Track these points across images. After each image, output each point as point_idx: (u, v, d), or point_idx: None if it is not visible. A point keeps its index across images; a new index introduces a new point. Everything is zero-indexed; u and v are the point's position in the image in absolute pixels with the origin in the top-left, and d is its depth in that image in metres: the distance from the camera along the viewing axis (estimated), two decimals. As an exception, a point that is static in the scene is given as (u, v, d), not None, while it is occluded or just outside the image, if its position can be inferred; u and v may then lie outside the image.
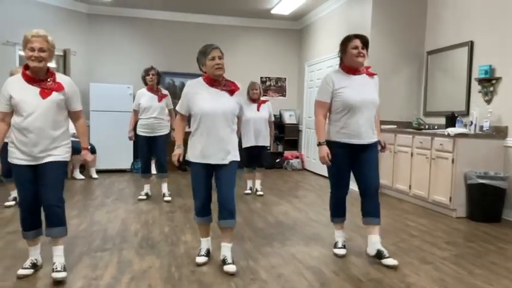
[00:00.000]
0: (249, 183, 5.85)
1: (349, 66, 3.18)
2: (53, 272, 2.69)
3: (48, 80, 2.68)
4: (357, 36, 3.16)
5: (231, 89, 2.99)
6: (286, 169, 8.44)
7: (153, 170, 7.58)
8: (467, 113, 5.20)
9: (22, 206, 2.76)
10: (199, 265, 3.00)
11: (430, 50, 6.02)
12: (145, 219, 4.26)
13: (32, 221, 2.78)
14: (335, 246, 3.39)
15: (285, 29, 8.94)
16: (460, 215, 4.62)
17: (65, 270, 2.72)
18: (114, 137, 7.22)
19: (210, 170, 2.98)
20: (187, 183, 6.41)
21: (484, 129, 4.78)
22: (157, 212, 4.58)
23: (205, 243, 3.15)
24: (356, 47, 3.11)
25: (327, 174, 7.72)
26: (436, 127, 5.58)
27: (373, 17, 6.02)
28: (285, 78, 9.09)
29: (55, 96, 2.66)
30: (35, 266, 2.83)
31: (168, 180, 5.41)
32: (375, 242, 3.17)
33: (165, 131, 5.21)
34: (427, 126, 5.83)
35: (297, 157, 8.59)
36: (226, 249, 3.00)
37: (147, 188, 5.33)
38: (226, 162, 2.94)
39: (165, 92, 5.29)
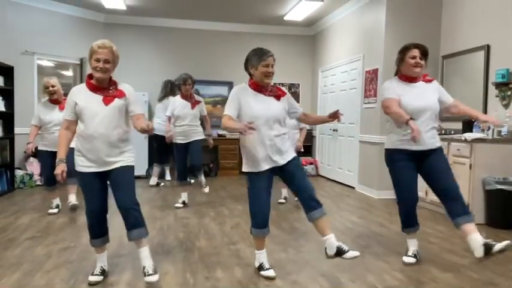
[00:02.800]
0: (284, 192, 5.67)
1: (406, 76, 3.18)
2: (145, 276, 2.71)
3: (111, 88, 2.76)
4: (416, 46, 3.14)
5: (277, 94, 3.00)
6: (300, 175, 8.39)
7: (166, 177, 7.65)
8: (484, 117, 5.11)
9: (89, 213, 2.78)
10: (271, 279, 2.87)
11: (446, 54, 5.96)
12: (160, 225, 4.29)
13: (99, 228, 2.83)
14: (406, 253, 3.32)
15: (298, 35, 8.95)
16: (478, 221, 4.51)
17: (156, 272, 2.74)
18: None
19: (270, 177, 2.95)
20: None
21: (502, 134, 4.69)
22: (171, 218, 4.61)
23: (264, 256, 3.04)
24: (414, 57, 3.11)
25: (341, 181, 7.64)
26: (452, 132, 5.49)
27: (387, 22, 5.98)
28: (299, 84, 9.08)
29: (117, 102, 2.74)
30: (103, 272, 2.87)
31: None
32: (479, 240, 2.92)
33: (199, 136, 5.18)
34: (443, 131, 5.75)
35: (311, 163, 8.55)
36: (333, 241, 2.87)
37: (184, 196, 5.28)
38: (285, 162, 2.92)
39: (198, 98, 5.29)
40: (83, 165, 2.74)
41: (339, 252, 2.83)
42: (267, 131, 2.88)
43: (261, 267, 2.98)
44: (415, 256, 3.27)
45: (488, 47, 5.12)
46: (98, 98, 2.71)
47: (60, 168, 2.66)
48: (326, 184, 7.40)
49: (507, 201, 4.28)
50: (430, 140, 3.13)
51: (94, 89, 2.73)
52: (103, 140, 2.69)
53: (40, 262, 3.14)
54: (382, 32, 6.01)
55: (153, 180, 6.85)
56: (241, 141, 2.98)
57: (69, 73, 7.69)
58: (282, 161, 2.92)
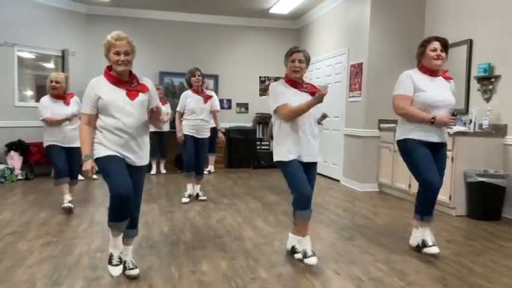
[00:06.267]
0: None
1: (427, 68, 3.26)
2: (126, 270, 2.75)
3: (133, 81, 2.70)
4: (436, 38, 3.24)
5: (312, 91, 3.08)
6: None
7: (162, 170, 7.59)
8: (466, 111, 5.20)
9: (115, 195, 2.55)
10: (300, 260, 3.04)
11: (429, 48, 6.01)
12: (145, 220, 4.25)
13: (125, 211, 2.63)
14: (425, 245, 3.23)
15: (283, 28, 8.94)
16: (460, 213, 4.62)
17: (136, 267, 2.81)
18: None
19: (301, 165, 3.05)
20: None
21: (484, 127, 4.78)
22: (156, 212, 4.58)
23: (307, 242, 3.05)
24: (435, 49, 3.20)
25: (326, 174, 7.64)
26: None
27: (371, 16, 6.01)
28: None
29: (141, 97, 2.69)
30: (121, 260, 2.71)
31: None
32: (427, 235, 3.25)
33: (208, 134, 5.20)
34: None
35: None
36: (306, 243, 3.02)
37: (190, 189, 5.24)
38: (315, 160, 3.09)
39: (210, 93, 5.25)
40: (109, 147, 2.61)
41: (304, 255, 3.00)
42: (305, 125, 3.01)
43: (304, 255, 3.00)
44: (434, 244, 3.23)
45: (470, 41, 5.19)
46: (121, 92, 2.64)
47: (90, 164, 2.58)
48: (311, 177, 7.42)
49: (487, 193, 4.37)
50: (443, 134, 3.30)
51: (116, 82, 2.65)
52: (130, 134, 2.64)
53: (22, 257, 3.09)
54: (367, 26, 6.04)
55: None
56: (282, 130, 3.04)
57: (50, 65, 7.54)
58: (308, 159, 3.05)
